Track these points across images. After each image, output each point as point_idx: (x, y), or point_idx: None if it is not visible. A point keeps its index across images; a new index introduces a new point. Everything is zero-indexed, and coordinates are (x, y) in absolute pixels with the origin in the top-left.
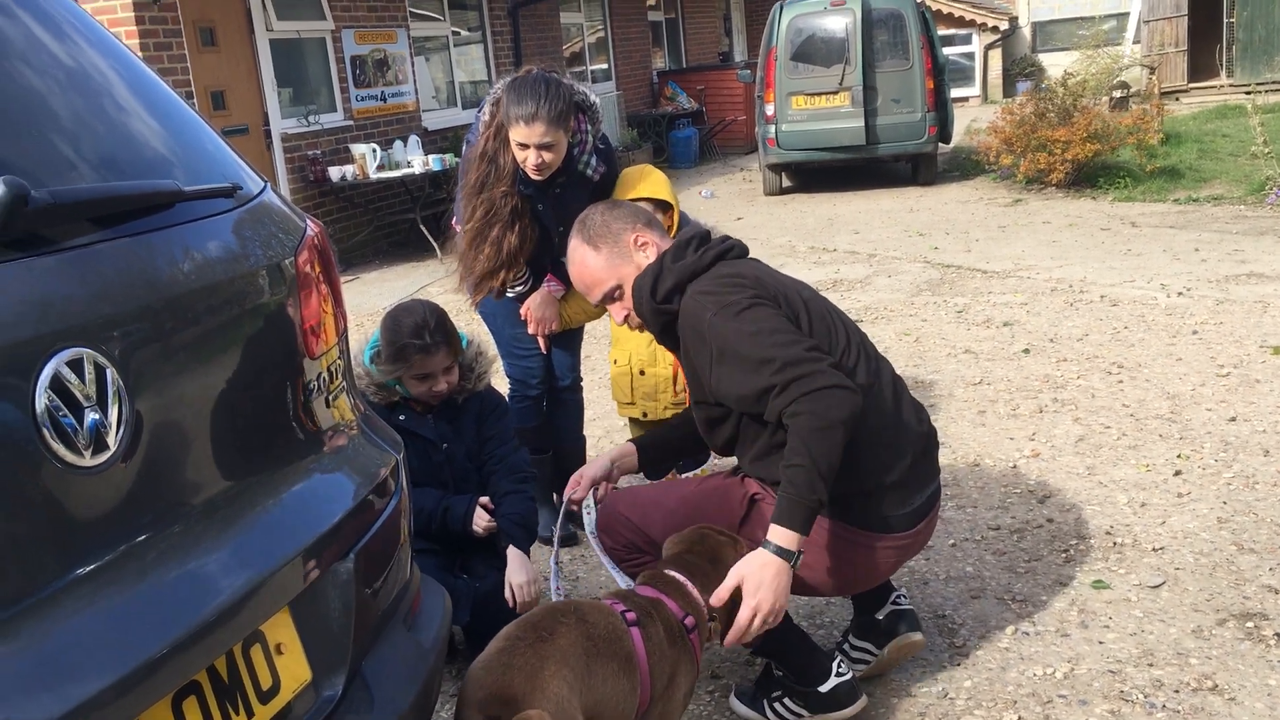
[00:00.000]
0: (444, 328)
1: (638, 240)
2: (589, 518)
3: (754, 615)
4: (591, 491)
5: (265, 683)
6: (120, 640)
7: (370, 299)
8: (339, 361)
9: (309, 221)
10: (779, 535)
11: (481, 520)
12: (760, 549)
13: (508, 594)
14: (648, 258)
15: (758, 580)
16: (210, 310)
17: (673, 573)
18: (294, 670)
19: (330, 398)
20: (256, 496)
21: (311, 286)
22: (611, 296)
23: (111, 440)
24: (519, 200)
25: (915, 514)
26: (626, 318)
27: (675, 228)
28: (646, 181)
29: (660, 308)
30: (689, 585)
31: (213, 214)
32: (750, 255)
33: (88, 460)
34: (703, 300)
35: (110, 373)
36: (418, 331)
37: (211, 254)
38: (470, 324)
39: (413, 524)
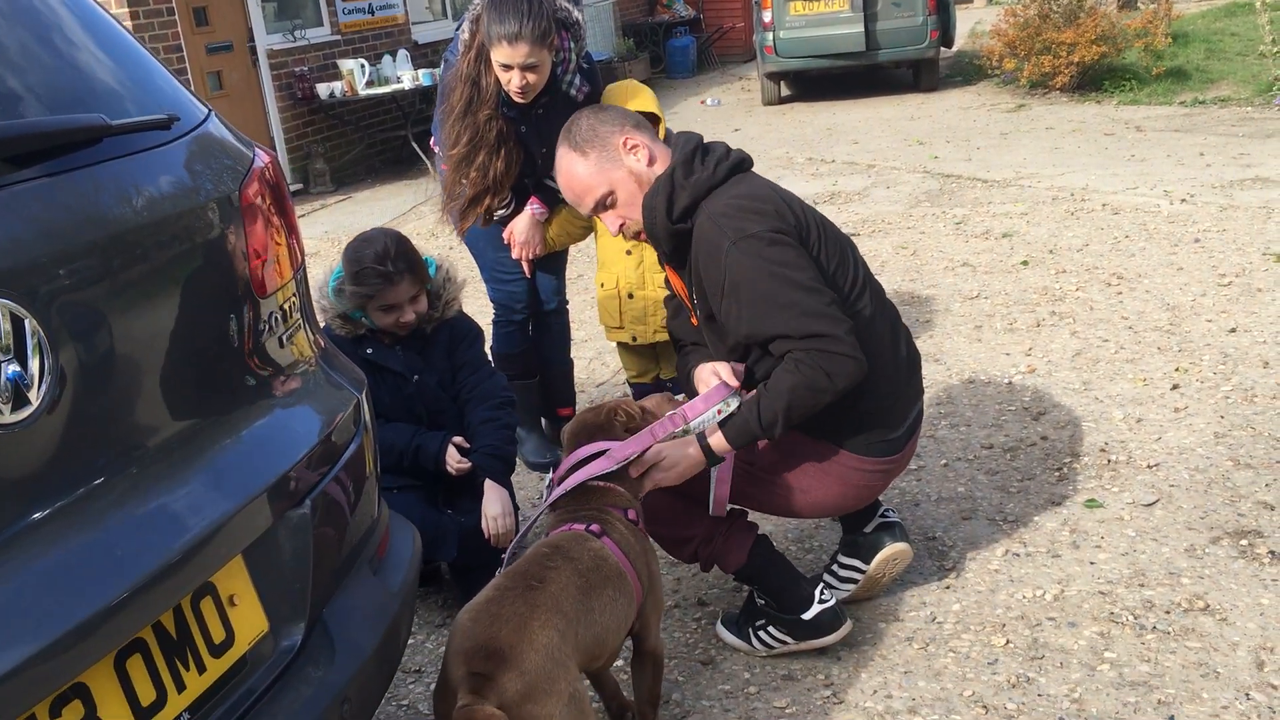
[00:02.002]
0: (407, 256)
1: (627, 143)
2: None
3: (652, 485)
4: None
5: (218, 636)
6: (52, 603)
7: (362, 219)
8: (294, 298)
9: (258, 151)
10: (717, 441)
11: (453, 460)
12: (694, 441)
13: (484, 525)
14: (639, 160)
15: (673, 462)
16: (145, 251)
17: (592, 482)
18: (249, 621)
19: (286, 336)
20: (206, 443)
21: (261, 220)
22: (604, 204)
23: (35, 395)
24: (503, 124)
25: (901, 438)
26: (622, 227)
27: None
28: (636, 99)
29: (676, 228)
30: (609, 485)
31: (146, 148)
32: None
33: (8, 416)
34: (721, 224)
35: (29, 323)
36: (380, 261)
37: (145, 191)
38: (451, 249)
39: (383, 461)
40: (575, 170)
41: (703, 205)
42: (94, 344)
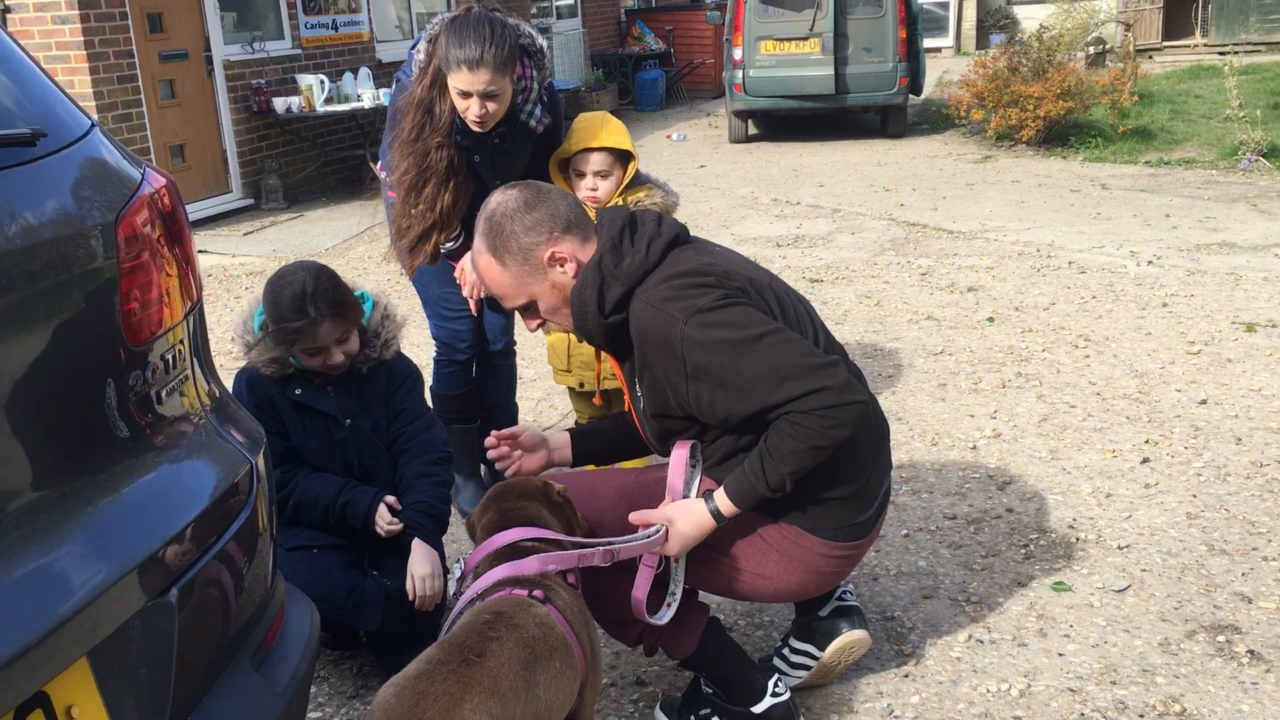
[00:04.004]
0: (330, 296)
1: (553, 256)
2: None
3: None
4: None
5: None
6: None
7: (313, 239)
8: (182, 346)
9: (149, 173)
10: (724, 504)
11: (384, 520)
12: (701, 503)
13: (409, 586)
14: (564, 273)
15: (682, 523)
16: None
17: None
18: None
19: (166, 391)
20: (57, 518)
21: (146, 255)
22: (523, 310)
23: None
24: (454, 153)
25: (870, 520)
26: (541, 325)
27: (627, 180)
28: (608, 129)
29: (610, 322)
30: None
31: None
32: (694, 237)
33: None
34: (667, 309)
35: None
36: (297, 304)
37: None
38: (390, 278)
39: (307, 517)
40: (492, 275)
41: (637, 293)
42: None
